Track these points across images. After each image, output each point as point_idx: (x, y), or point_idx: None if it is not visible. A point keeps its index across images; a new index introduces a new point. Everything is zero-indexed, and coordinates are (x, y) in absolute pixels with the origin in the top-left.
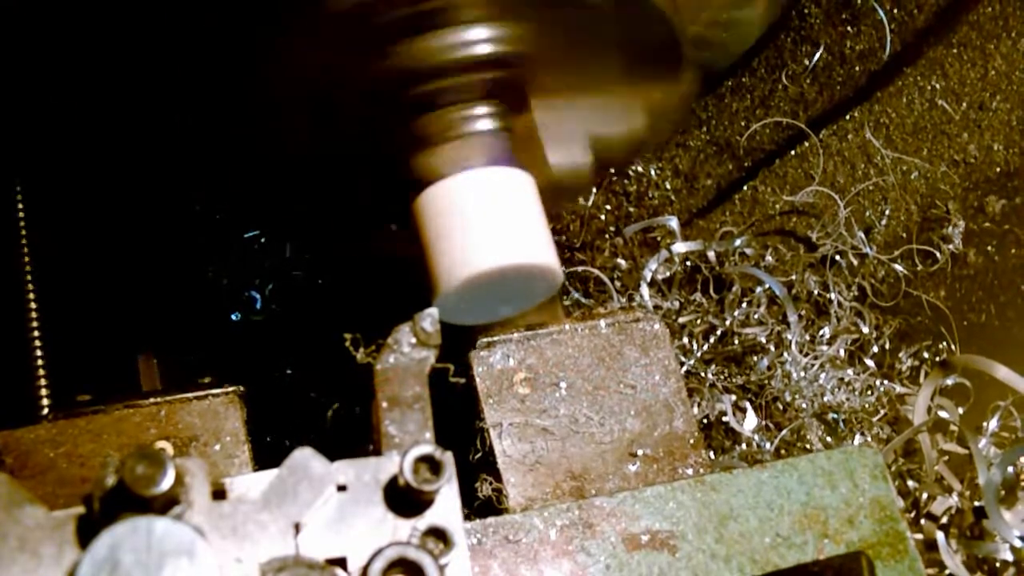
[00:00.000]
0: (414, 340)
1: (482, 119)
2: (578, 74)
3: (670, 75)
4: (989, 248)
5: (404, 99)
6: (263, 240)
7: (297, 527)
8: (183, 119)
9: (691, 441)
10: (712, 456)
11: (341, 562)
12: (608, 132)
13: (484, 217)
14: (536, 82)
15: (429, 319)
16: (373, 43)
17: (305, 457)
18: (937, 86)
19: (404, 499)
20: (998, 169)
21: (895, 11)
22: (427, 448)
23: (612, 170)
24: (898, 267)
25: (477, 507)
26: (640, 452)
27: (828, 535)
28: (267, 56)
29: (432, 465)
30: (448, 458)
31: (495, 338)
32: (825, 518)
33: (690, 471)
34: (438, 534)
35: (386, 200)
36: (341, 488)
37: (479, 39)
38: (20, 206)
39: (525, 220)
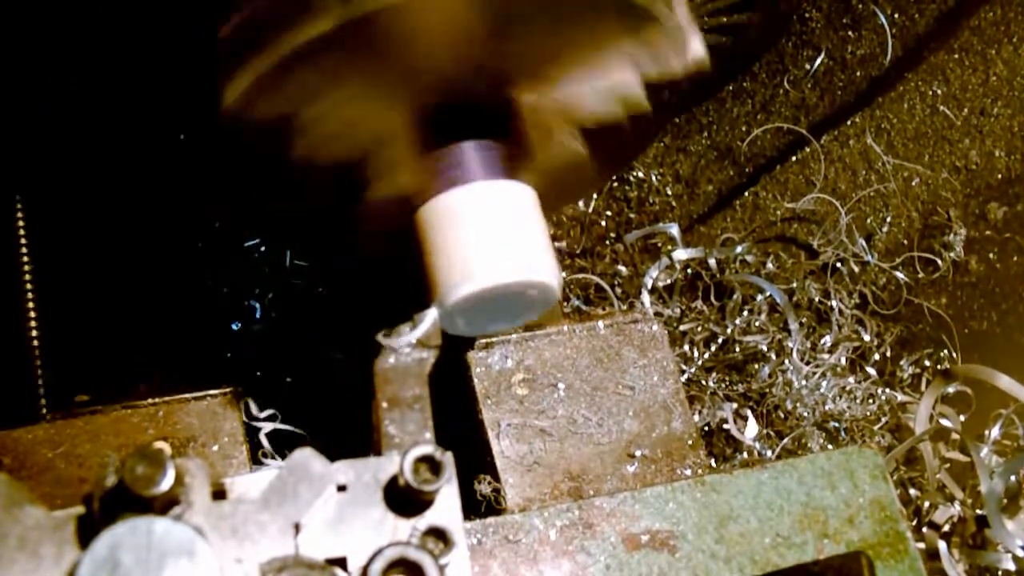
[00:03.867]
0: (414, 341)
1: (482, 131)
2: (557, 57)
3: (637, 32)
4: (990, 255)
5: (406, 111)
6: (263, 249)
7: (297, 527)
8: (185, 131)
9: (689, 442)
10: (713, 464)
11: (341, 562)
12: (605, 108)
13: (484, 232)
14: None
15: (429, 320)
16: (376, 54)
17: (305, 457)
18: (938, 92)
19: (404, 499)
20: (999, 176)
21: (896, 16)
22: (427, 448)
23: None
24: (899, 274)
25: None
26: (638, 453)
27: (828, 535)
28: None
29: (432, 465)
30: (448, 458)
31: (493, 339)
32: (825, 518)
33: (688, 472)
34: (438, 534)
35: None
36: (341, 488)
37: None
38: (20, 209)
39: (525, 235)
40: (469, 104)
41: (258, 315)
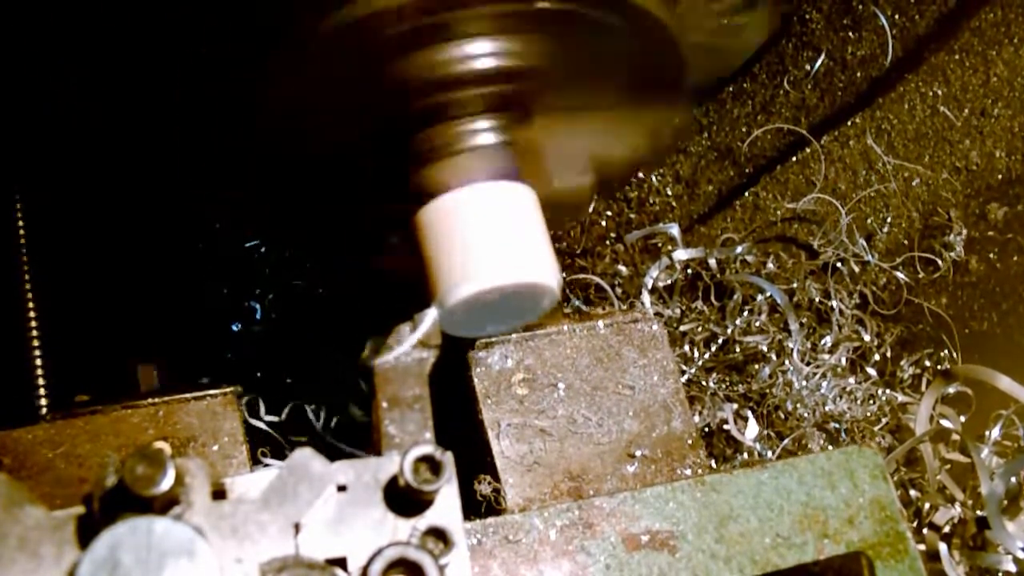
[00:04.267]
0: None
1: (485, 133)
2: (582, 90)
3: (672, 94)
4: (991, 256)
5: (408, 112)
6: (263, 250)
7: (297, 527)
8: (185, 130)
9: (689, 442)
10: (714, 465)
11: (341, 562)
12: (608, 150)
13: (485, 233)
14: (540, 97)
15: (429, 320)
16: (377, 56)
17: (305, 457)
18: (939, 92)
19: (404, 499)
20: (1000, 176)
21: (897, 17)
22: (427, 448)
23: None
24: (900, 275)
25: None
26: (638, 453)
27: (828, 535)
28: (270, 69)
29: (432, 465)
30: (448, 458)
31: (493, 339)
32: (825, 518)
33: (688, 472)
34: (438, 534)
35: (388, 212)
36: (341, 488)
37: (483, 53)
38: (20, 209)
39: (526, 236)
40: (469, 106)
41: (258, 316)
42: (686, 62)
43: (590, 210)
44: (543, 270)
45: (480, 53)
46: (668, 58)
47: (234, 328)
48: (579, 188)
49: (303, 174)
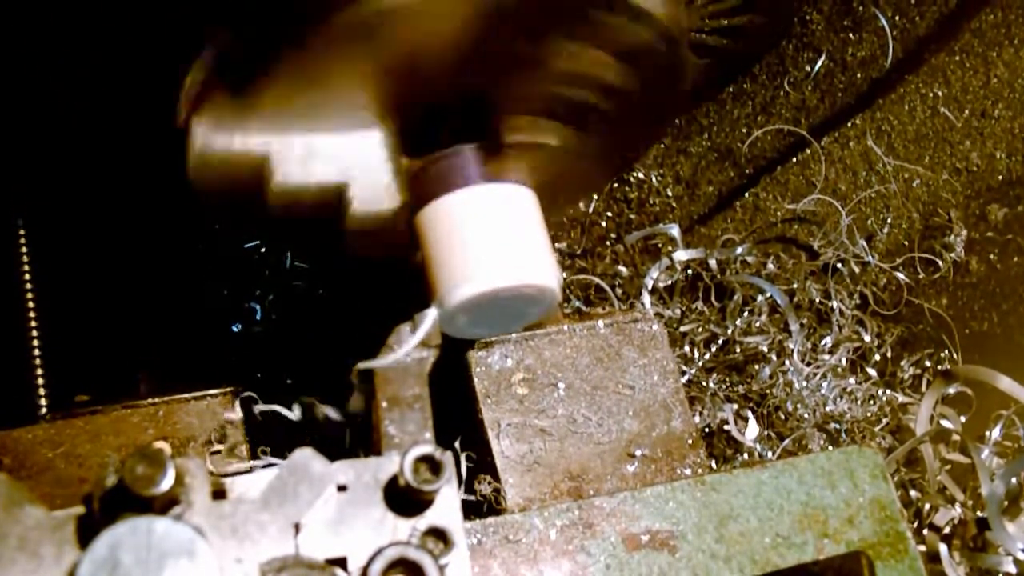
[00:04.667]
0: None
1: (485, 135)
2: (542, 55)
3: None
4: (991, 256)
5: (408, 114)
6: (263, 251)
7: (297, 527)
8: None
9: (689, 441)
10: (714, 465)
11: (341, 562)
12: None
13: (485, 235)
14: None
15: (429, 321)
16: (378, 57)
17: (305, 457)
18: (939, 93)
19: (404, 499)
20: (1000, 177)
21: (897, 18)
22: (427, 448)
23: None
24: (900, 275)
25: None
26: (638, 452)
27: (828, 535)
28: (269, 70)
29: (432, 465)
30: (448, 458)
31: (493, 338)
32: (825, 518)
33: (688, 471)
34: (438, 534)
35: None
36: (341, 488)
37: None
38: (21, 209)
39: (526, 238)
40: (463, 107)
41: (258, 317)
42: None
43: (592, 203)
44: (543, 272)
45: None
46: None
47: (234, 329)
48: (571, 159)
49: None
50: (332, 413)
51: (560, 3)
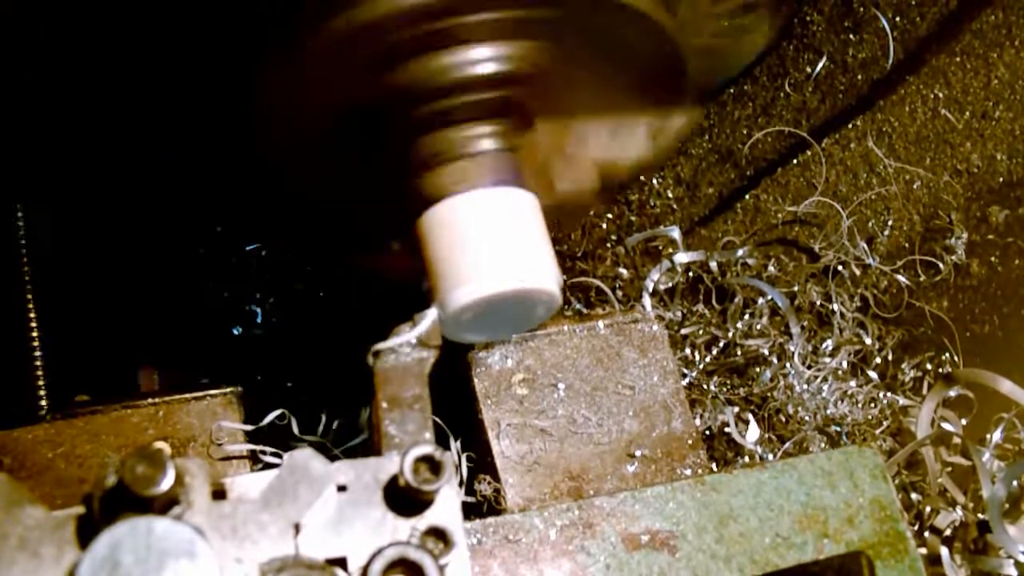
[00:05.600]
0: (414, 340)
1: (487, 139)
2: (583, 95)
3: (673, 96)
4: (992, 259)
5: (410, 118)
6: (263, 253)
7: (297, 527)
8: (188, 137)
9: (689, 442)
10: (715, 468)
11: (341, 562)
12: (610, 154)
13: (487, 239)
14: (541, 102)
15: (428, 320)
16: (379, 64)
17: (305, 457)
18: (940, 95)
19: (404, 499)
20: (1001, 179)
21: (898, 19)
22: (427, 448)
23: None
24: (901, 278)
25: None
26: (638, 453)
27: (828, 535)
28: (272, 77)
29: (432, 465)
30: (448, 458)
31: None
32: (825, 518)
33: (688, 471)
34: (438, 534)
35: (390, 219)
36: (341, 488)
37: (484, 58)
38: (21, 209)
39: (528, 242)
40: (470, 111)
41: (259, 319)
42: (687, 64)
43: (591, 213)
44: (544, 276)
45: (481, 58)
46: (668, 61)
47: (235, 332)
48: (582, 192)
49: (302, 179)
50: None
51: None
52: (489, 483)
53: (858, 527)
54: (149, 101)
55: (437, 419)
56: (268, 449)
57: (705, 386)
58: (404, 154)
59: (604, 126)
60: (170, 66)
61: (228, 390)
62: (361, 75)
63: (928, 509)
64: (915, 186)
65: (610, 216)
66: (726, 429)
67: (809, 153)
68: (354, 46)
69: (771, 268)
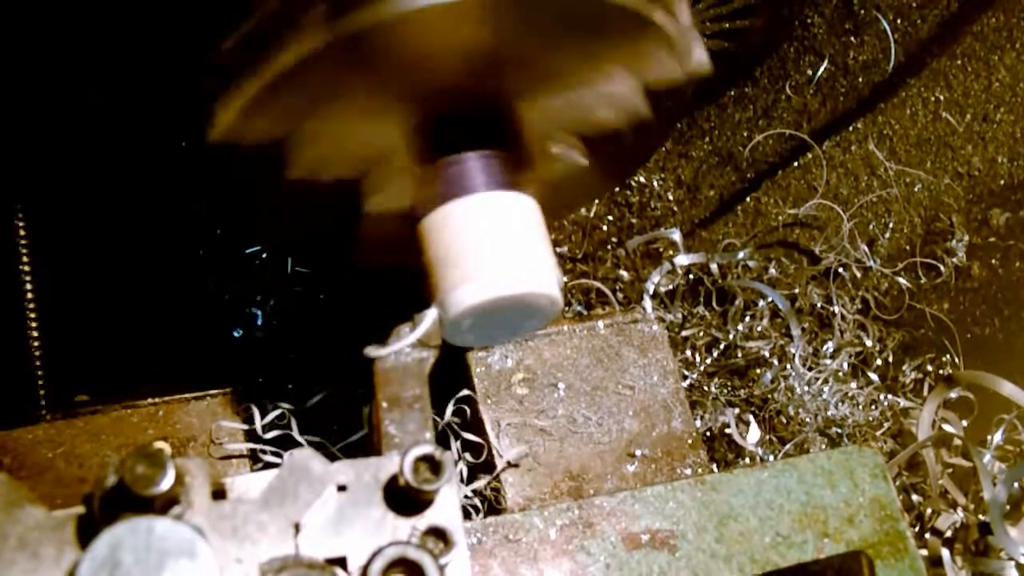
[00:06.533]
0: (414, 341)
1: (487, 142)
2: (567, 65)
3: (638, 40)
4: (993, 261)
5: (409, 122)
6: (264, 256)
7: (297, 527)
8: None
9: (689, 441)
10: (715, 469)
11: (341, 562)
12: (606, 117)
13: (488, 242)
14: (523, 94)
15: (428, 320)
16: (379, 66)
17: (305, 457)
18: (941, 98)
19: (404, 499)
20: (1002, 182)
21: (899, 22)
22: (427, 448)
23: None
24: (901, 280)
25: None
26: (638, 452)
27: (828, 534)
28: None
29: (432, 465)
30: (448, 458)
31: None
32: (825, 517)
33: (688, 471)
34: (438, 534)
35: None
36: (341, 488)
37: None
38: (21, 209)
39: (529, 247)
40: (471, 115)
41: (259, 322)
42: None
43: (593, 207)
44: (545, 280)
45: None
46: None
47: (236, 334)
48: (578, 167)
49: (303, 183)
50: None
51: (566, 14)
52: (489, 483)
53: (858, 526)
54: (146, 102)
55: (437, 418)
56: (268, 449)
57: (706, 388)
58: (404, 158)
59: (592, 91)
60: (166, 65)
61: (228, 390)
62: (361, 78)
63: (929, 511)
64: (916, 189)
65: (611, 218)
66: (727, 430)
67: (810, 156)
68: (356, 50)
69: (772, 270)
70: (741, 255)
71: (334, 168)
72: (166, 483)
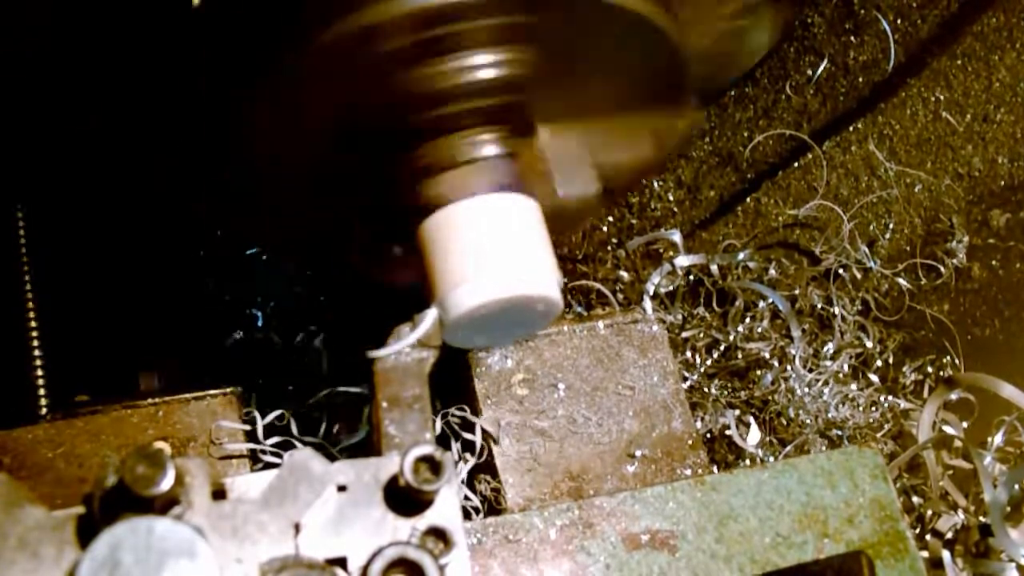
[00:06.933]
0: (414, 342)
1: (487, 145)
2: (583, 98)
3: (675, 99)
4: (993, 262)
5: (409, 126)
6: (264, 257)
7: (297, 527)
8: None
9: (689, 442)
10: (716, 471)
11: (341, 562)
12: (613, 158)
13: (489, 244)
14: (541, 107)
15: (428, 320)
16: (377, 71)
17: (305, 457)
18: (941, 98)
19: (404, 499)
20: (1002, 182)
21: (899, 22)
22: (427, 448)
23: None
24: (902, 281)
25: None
26: (638, 453)
27: (828, 535)
28: (270, 86)
29: (432, 465)
30: (448, 458)
31: None
32: (825, 518)
33: (688, 471)
34: (438, 534)
35: (391, 225)
36: (341, 488)
37: (483, 64)
38: (21, 209)
39: (530, 248)
40: (471, 117)
41: (259, 323)
42: (688, 67)
43: (592, 217)
44: (546, 282)
45: (480, 64)
46: (670, 63)
47: (236, 336)
48: (584, 197)
49: (303, 187)
50: None
51: (562, 14)
52: (489, 483)
53: (858, 527)
54: (146, 107)
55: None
56: (268, 449)
57: (706, 389)
58: (405, 160)
59: (605, 128)
60: (164, 70)
61: (228, 390)
62: (360, 83)
63: (930, 512)
64: (916, 189)
65: (611, 219)
66: (727, 432)
67: (810, 156)
68: (352, 53)
69: (772, 271)
70: (741, 256)
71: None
72: (166, 483)
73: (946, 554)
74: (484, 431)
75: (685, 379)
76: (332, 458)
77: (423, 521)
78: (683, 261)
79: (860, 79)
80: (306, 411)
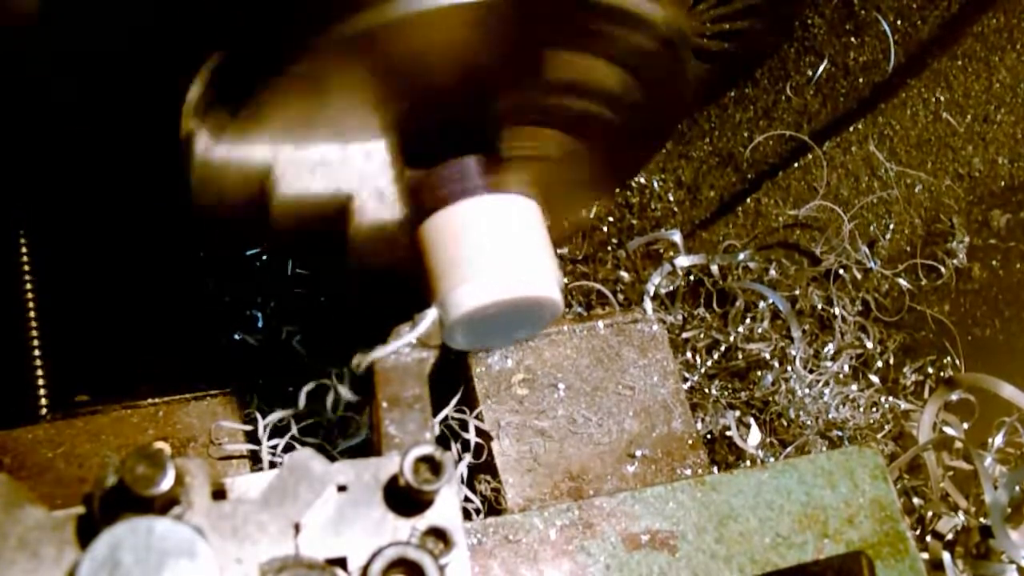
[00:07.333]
0: (414, 341)
1: (488, 146)
2: (553, 67)
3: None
4: (993, 262)
5: (410, 126)
6: (264, 258)
7: (297, 527)
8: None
9: (689, 442)
10: (716, 471)
11: (341, 562)
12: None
13: (490, 245)
14: (540, 109)
15: (428, 320)
16: (382, 71)
17: (305, 457)
18: (941, 98)
19: (404, 499)
20: (1003, 183)
21: (899, 22)
22: (427, 448)
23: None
24: (902, 281)
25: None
26: (638, 453)
27: (828, 535)
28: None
29: (432, 465)
30: (448, 458)
31: None
32: (825, 518)
33: (688, 472)
34: (438, 534)
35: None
36: (341, 488)
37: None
38: (21, 209)
39: (530, 249)
40: (469, 118)
41: (260, 324)
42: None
43: (594, 208)
44: (547, 283)
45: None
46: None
47: (235, 337)
48: (581, 218)
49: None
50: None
51: (558, 14)
52: (489, 483)
53: (858, 527)
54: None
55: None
56: (268, 449)
57: (706, 390)
58: (404, 161)
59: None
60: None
61: (228, 390)
62: (362, 83)
63: (930, 514)
64: (916, 190)
65: (611, 219)
66: (727, 433)
67: (810, 156)
68: (362, 51)
69: (772, 272)
70: (741, 256)
71: (318, 192)
72: (166, 483)
73: (946, 555)
74: (481, 430)
75: (685, 380)
76: (332, 460)
77: (423, 521)
78: (683, 261)
79: (860, 80)
80: (306, 411)
